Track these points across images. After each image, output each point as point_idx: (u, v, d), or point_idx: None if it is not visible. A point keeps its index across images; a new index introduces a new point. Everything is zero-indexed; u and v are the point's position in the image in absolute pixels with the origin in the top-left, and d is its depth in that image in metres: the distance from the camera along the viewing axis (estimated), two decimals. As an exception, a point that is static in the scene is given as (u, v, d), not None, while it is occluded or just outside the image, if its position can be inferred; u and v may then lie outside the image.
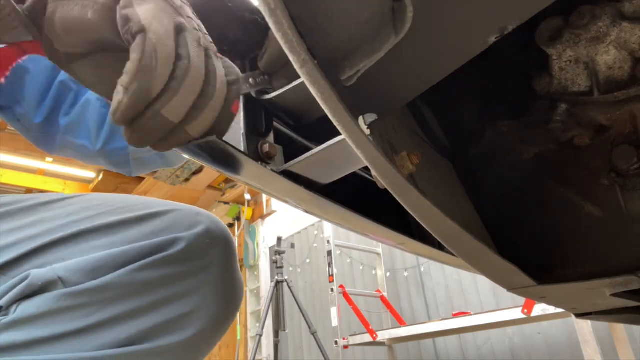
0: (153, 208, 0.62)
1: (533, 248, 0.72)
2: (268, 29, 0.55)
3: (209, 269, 0.59)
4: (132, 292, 0.54)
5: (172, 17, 0.41)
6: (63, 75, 0.77)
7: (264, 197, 5.99)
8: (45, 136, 0.79)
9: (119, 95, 0.39)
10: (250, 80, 0.55)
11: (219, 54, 0.46)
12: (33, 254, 0.55)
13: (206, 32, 0.45)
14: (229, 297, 0.61)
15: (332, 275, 3.63)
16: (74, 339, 0.51)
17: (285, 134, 0.63)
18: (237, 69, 0.47)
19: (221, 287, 0.60)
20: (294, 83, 0.54)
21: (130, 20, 0.39)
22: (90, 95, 0.78)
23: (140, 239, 0.57)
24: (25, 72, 0.75)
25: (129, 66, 0.39)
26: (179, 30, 0.42)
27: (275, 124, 0.61)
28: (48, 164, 5.62)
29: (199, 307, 0.57)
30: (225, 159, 0.49)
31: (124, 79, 0.39)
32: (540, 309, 2.38)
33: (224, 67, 0.45)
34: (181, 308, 0.56)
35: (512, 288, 0.67)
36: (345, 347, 3.48)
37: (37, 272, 0.52)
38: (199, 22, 0.45)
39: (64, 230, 0.58)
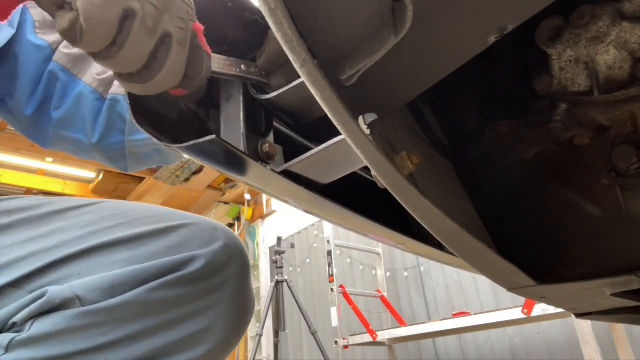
0: (170, 220, 0.61)
1: (533, 248, 0.72)
2: (268, 28, 0.55)
3: (224, 286, 0.59)
4: (149, 311, 0.54)
5: (122, 2, 0.41)
6: (52, 65, 0.77)
7: (264, 197, 5.99)
8: (37, 129, 0.79)
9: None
10: (243, 66, 0.55)
11: (202, 43, 0.47)
12: (49, 268, 0.55)
13: (180, 16, 0.46)
14: (241, 313, 0.61)
15: (332, 275, 3.63)
16: (90, 357, 0.51)
17: (285, 134, 0.63)
18: (202, 66, 0.48)
19: (235, 304, 0.60)
20: (294, 83, 0.54)
21: None
22: (84, 89, 0.78)
23: (159, 254, 0.57)
24: (18, 62, 0.75)
25: (57, 27, 0.41)
26: (127, 15, 0.42)
27: (275, 124, 0.61)
28: (48, 164, 5.61)
29: (213, 324, 0.57)
30: (225, 159, 0.49)
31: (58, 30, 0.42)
32: (540, 309, 2.38)
33: (188, 58, 0.46)
34: (196, 325, 0.56)
35: (512, 288, 0.67)
36: (345, 347, 3.48)
37: (54, 289, 0.52)
38: (170, 2, 0.45)
39: (81, 242, 0.57)
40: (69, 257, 0.56)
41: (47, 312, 0.51)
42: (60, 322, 0.50)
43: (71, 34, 0.41)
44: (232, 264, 0.60)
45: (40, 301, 0.51)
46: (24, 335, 0.50)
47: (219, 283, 0.58)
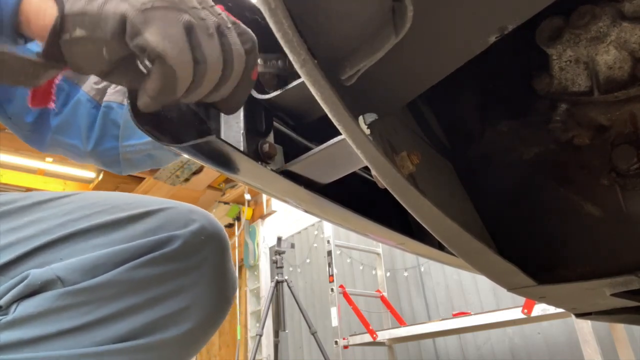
0: (148, 206, 0.63)
1: (533, 248, 0.72)
2: (268, 28, 0.55)
3: (203, 265, 0.60)
4: (130, 290, 0.55)
5: (178, 20, 0.43)
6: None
7: (264, 197, 5.99)
8: (36, 135, 0.80)
9: (144, 98, 0.44)
10: (259, 60, 0.55)
11: (231, 18, 0.48)
12: (31, 254, 0.56)
13: (212, 4, 0.47)
14: (222, 292, 0.63)
15: (332, 275, 3.63)
16: (74, 336, 0.52)
17: (285, 133, 0.63)
18: (251, 34, 0.49)
19: (215, 283, 0.61)
20: (294, 83, 0.54)
21: (145, 48, 0.42)
22: (82, 96, 0.79)
23: (137, 237, 0.58)
24: None
25: (151, 86, 0.43)
26: (189, 30, 0.43)
27: (275, 123, 0.61)
28: (48, 164, 5.61)
29: (194, 303, 0.59)
30: (225, 159, 0.49)
31: (148, 91, 0.43)
32: (540, 309, 2.38)
33: (239, 35, 0.47)
34: (177, 304, 0.57)
35: (512, 288, 0.67)
36: (345, 347, 3.48)
37: (36, 272, 0.53)
38: None
39: (61, 229, 0.59)
40: (49, 244, 0.57)
41: (30, 295, 0.53)
42: (43, 303, 0.52)
43: (170, 85, 0.43)
44: (210, 244, 0.61)
45: (22, 284, 0.52)
46: (9, 317, 0.51)
47: (198, 262, 0.59)
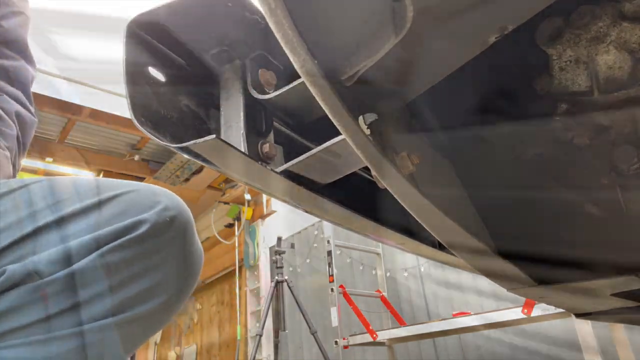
0: (110, 191, 0.65)
1: (533, 248, 0.72)
2: (268, 28, 0.55)
3: (172, 242, 0.63)
4: (105, 273, 0.58)
5: None
6: None
7: (264, 197, 5.99)
8: None
9: None
10: None
11: None
12: (5, 250, 0.59)
13: None
14: (191, 265, 0.66)
15: (332, 275, 3.63)
16: (56, 320, 0.55)
17: (285, 134, 0.63)
18: None
19: (183, 258, 0.65)
20: (294, 83, 0.54)
21: None
22: None
23: (105, 223, 0.61)
24: None
25: None
26: None
27: (275, 124, 0.61)
28: (48, 164, 5.62)
29: (166, 277, 0.62)
30: (225, 159, 0.49)
31: None
32: (540, 309, 2.38)
33: None
34: (151, 280, 0.61)
35: (512, 288, 0.67)
36: (345, 347, 3.48)
37: (12, 267, 0.56)
38: None
39: (30, 223, 0.62)
40: (21, 239, 0.60)
41: (9, 289, 0.56)
42: (23, 296, 0.55)
43: None
44: (175, 222, 0.64)
45: (0, 279, 0.55)
46: None
47: (166, 241, 0.62)
